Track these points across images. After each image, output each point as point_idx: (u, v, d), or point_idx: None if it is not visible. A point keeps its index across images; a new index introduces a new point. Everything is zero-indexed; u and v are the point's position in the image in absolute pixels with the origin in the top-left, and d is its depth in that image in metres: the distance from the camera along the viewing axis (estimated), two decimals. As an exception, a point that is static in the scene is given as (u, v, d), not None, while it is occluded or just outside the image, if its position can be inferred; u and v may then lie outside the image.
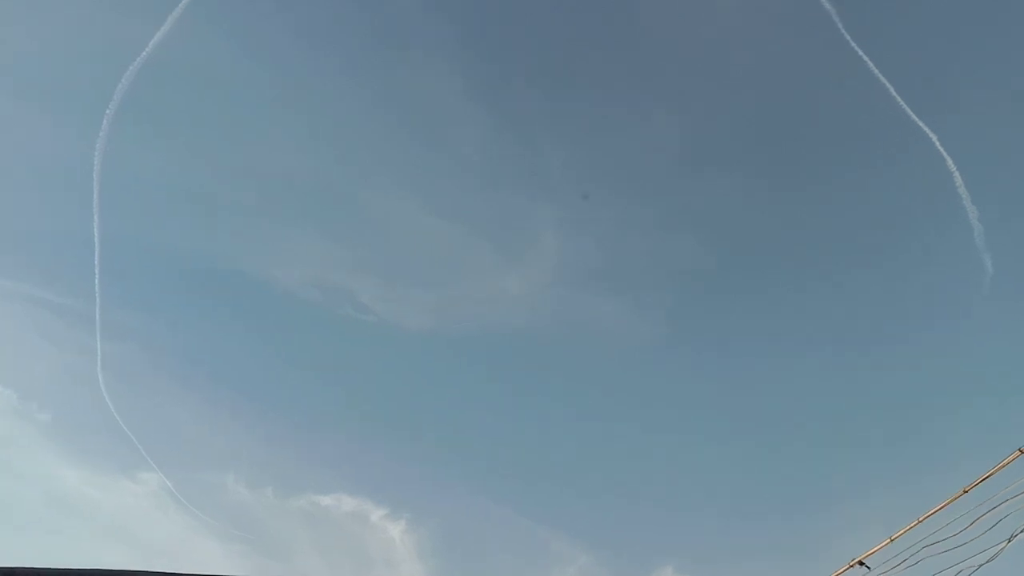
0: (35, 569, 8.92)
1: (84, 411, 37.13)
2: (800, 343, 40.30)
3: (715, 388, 41.28)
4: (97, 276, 31.96)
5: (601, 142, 41.62)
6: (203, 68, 36.49)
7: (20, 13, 33.12)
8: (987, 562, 8.41)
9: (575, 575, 36.19)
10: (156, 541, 35.75)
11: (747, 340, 41.34)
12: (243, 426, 40.07)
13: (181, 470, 39.02)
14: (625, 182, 42.05)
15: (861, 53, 30.21)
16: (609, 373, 42.12)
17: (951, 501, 8.70)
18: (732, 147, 41.35)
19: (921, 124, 31.14)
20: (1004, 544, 8.26)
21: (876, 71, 30.64)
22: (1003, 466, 8.37)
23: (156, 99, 35.28)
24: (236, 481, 37.44)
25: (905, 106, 30.99)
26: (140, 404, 37.83)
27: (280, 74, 38.32)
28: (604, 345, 42.38)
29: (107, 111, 29.78)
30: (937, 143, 30.86)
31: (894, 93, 30.80)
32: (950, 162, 30.69)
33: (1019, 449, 8.21)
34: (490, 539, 38.50)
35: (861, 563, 9.71)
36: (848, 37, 30.66)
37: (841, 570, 9.89)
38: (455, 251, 41.51)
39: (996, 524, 8.25)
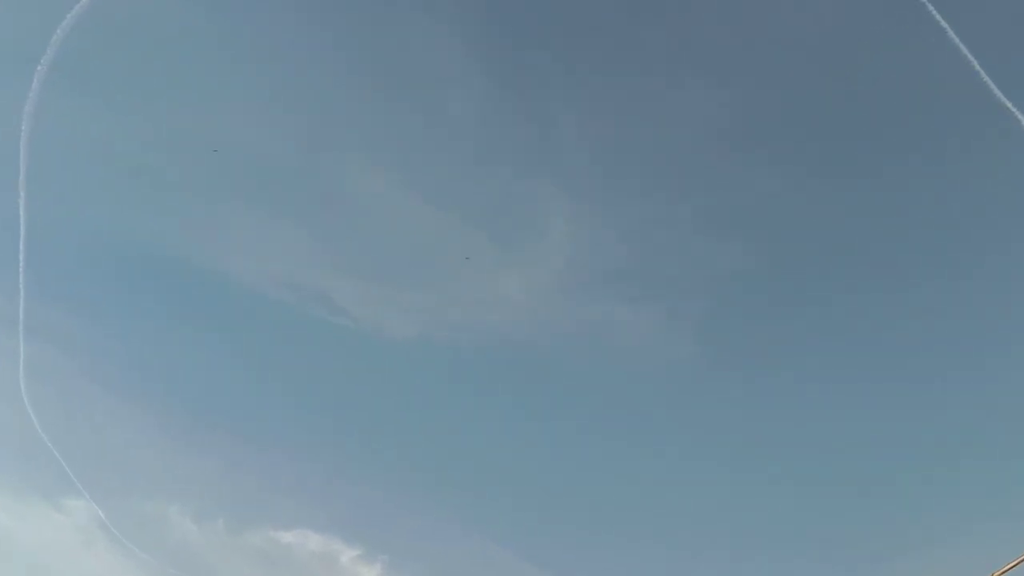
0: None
1: (1, 425, 28.76)
2: (865, 364, 32.01)
3: (760, 416, 32.76)
4: (22, 265, 27.49)
5: (627, 116, 33.64)
6: (151, 20, 29.64)
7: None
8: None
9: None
10: (83, 583, 28.81)
11: (799, 359, 32.89)
12: (191, 447, 31.50)
13: (116, 498, 30.10)
14: (655, 166, 34.22)
15: (940, 19, 25.34)
16: (631, 396, 33.14)
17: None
18: (785, 129, 33.71)
19: (1010, 105, 24.85)
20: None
21: (957, 40, 24.88)
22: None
23: (96, 56, 28.46)
24: (181, 512, 30.08)
25: (991, 83, 24.73)
26: (69, 418, 30.18)
27: (241, 30, 30.91)
28: (625, 362, 33.34)
29: (38, 68, 25.70)
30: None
31: (978, 67, 25.00)
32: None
33: None
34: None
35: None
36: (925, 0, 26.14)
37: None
38: (447, 245, 33.37)
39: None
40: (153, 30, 29.88)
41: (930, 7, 24.45)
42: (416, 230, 33.88)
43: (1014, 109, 24.82)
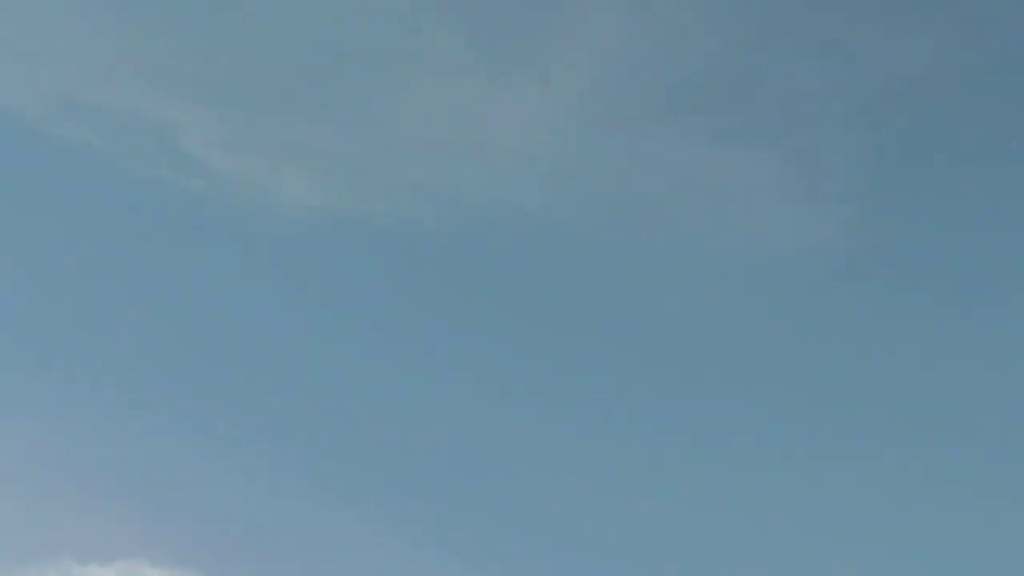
0: None
1: None
2: None
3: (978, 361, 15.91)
4: None
5: None
6: None
7: None
8: None
9: None
10: None
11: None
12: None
13: None
14: None
15: None
16: (730, 319, 16.90)
17: None
18: None
19: None
20: None
21: None
22: None
23: None
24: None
25: None
26: None
27: None
28: (721, 253, 18.66)
29: None
30: None
31: None
32: None
33: None
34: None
35: None
36: None
37: None
38: (388, 37, 19.98)
39: None
40: None
41: None
42: (329, 10, 18.94)
43: None
